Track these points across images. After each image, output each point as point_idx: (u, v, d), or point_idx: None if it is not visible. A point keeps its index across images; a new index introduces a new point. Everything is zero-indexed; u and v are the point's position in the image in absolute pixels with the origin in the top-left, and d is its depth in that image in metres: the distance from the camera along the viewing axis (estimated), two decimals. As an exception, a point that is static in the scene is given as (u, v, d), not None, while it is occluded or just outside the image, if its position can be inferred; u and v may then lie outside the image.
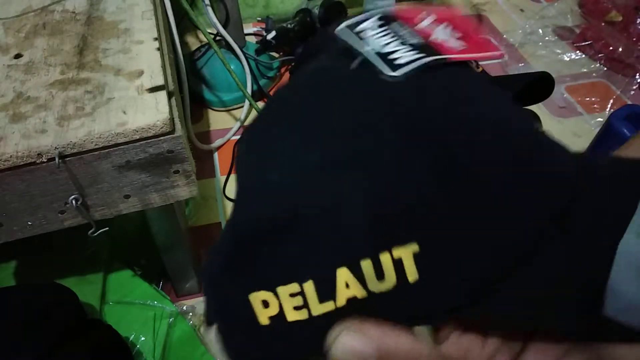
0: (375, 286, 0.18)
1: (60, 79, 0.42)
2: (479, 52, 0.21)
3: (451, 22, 0.23)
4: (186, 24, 0.91)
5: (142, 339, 0.51)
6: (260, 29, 0.93)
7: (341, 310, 0.18)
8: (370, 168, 0.18)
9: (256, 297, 0.19)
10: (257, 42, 0.85)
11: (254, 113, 0.78)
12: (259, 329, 0.19)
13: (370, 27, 0.22)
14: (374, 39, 0.21)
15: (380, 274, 0.18)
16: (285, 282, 0.18)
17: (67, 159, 0.37)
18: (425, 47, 0.21)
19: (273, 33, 0.81)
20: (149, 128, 0.38)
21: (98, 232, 0.42)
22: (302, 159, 0.19)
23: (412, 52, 0.20)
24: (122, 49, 0.45)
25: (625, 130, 0.63)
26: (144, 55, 0.45)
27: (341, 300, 0.18)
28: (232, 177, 0.70)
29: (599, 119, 0.78)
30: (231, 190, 0.68)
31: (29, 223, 0.40)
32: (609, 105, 0.81)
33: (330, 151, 0.19)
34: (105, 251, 0.58)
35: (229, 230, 0.21)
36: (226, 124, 0.78)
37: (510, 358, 0.20)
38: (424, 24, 0.22)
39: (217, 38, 0.77)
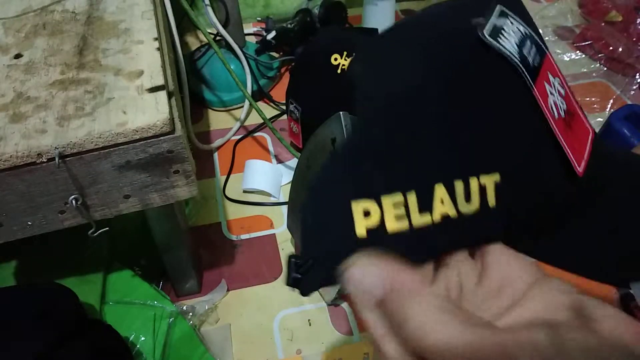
0: (464, 207, 0.20)
1: (60, 79, 0.42)
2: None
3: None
4: (186, 24, 0.91)
5: (142, 339, 0.51)
6: (260, 29, 0.93)
7: (435, 227, 0.20)
8: (478, 114, 0.21)
9: (359, 205, 0.19)
10: (257, 42, 0.85)
11: (254, 113, 0.78)
12: (353, 241, 0.19)
13: (508, 29, 0.23)
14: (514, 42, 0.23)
15: (468, 196, 0.20)
16: (390, 192, 0.20)
17: (67, 159, 0.37)
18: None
19: (273, 33, 0.81)
20: (149, 128, 0.38)
21: (98, 232, 0.42)
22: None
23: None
24: (122, 49, 0.45)
25: (625, 130, 0.63)
26: (144, 55, 0.45)
27: (436, 215, 0.20)
28: (232, 177, 0.70)
29: (599, 119, 0.78)
30: (231, 190, 0.68)
31: (29, 223, 0.40)
32: (609, 105, 0.81)
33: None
34: (105, 251, 0.58)
35: (343, 141, 0.22)
36: (226, 124, 0.78)
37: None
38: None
39: (217, 38, 0.77)
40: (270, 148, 0.75)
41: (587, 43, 0.91)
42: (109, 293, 0.55)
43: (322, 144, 0.31)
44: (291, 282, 0.20)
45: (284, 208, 0.66)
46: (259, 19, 0.96)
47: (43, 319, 0.43)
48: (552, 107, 0.23)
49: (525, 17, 0.25)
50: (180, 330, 0.52)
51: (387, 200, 0.20)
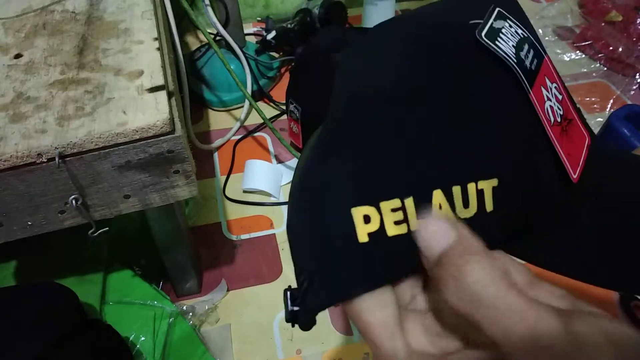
0: (462, 212, 0.20)
1: (60, 79, 0.42)
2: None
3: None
4: (186, 24, 0.91)
5: (142, 339, 0.51)
6: (260, 29, 0.93)
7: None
8: (485, 118, 0.21)
9: (358, 211, 0.19)
10: (257, 42, 0.85)
11: (254, 113, 0.78)
12: (356, 247, 0.19)
13: (506, 32, 0.23)
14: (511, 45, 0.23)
15: (466, 202, 0.20)
16: (389, 198, 0.20)
17: (67, 159, 0.37)
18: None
19: (273, 33, 0.81)
20: (149, 128, 0.38)
21: (98, 232, 0.42)
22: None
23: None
24: (122, 49, 0.45)
25: (625, 130, 0.63)
26: (144, 55, 0.45)
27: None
28: (232, 177, 0.70)
29: (599, 119, 0.78)
30: (231, 190, 0.68)
31: (29, 223, 0.40)
32: (609, 105, 0.81)
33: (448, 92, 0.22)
34: (105, 251, 0.58)
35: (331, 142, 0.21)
36: (226, 124, 0.78)
37: None
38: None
39: (217, 38, 0.77)
40: (270, 148, 0.75)
41: (587, 43, 0.91)
42: (109, 293, 0.55)
43: None
44: (289, 318, 0.20)
45: (284, 208, 0.66)
46: (259, 19, 0.96)
47: (43, 319, 0.43)
48: (548, 113, 0.22)
49: (523, 20, 0.25)
50: (180, 330, 0.52)
51: (386, 206, 0.20)
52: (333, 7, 0.84)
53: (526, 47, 0.23)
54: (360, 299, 0.19)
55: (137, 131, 0.38)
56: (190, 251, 0.53)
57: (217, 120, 0.79)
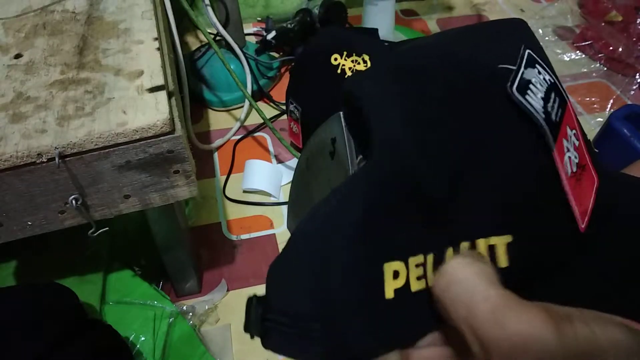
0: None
1: (60, 79, 0.42)
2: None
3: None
4: (186, 24, 0.91)
5: (142, 339, 0.51)
6: (260, 29, 0.93)
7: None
8: (495, 170, 0.21)
9: (390, 267, 0.19)
10: (257, 42, 0.85)
11: (254, 113, 0.78)
12: (383, 305, 0.19)
13: (536, 81, 0.22)
14: (539, 99, 0.22)
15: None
16: (415, 254, 0.20)
17: (67, 159, 0.37)
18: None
19: (273, 33, 0.81)
20: (149, 128, 0.38)
21: (98, 232, 0.42)
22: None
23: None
24: (122, 49, 0.45)
25: (625, 130, 0.63)
26: (144, 55, 0.45)
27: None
28: (232, 177, 0.70)
29: (599, 119, 0.78)
30: (231, 190, 0.68)
31: (29, 223, 0.40)
32: (609, 105, 0.81)
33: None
34: (105, 251, 0.58)
35: (358, 196, 0.20)
36: (226, 124, 0.78)
37: None
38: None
39: (217, 38, 0.77)
40: (270, 148, 0.75)
41: (587, 43, 0.91)
42: (109, 293, 0.55)
43: (322, 144, 0.31)
44: (247, 328, 0.20)
45: (284, 208, 0.66)
46: (259, 19, 0.96)
47: (43, 319, 0.43)
48: (567, 165, 0.22)
49: (545, 59, 0.24)
50: (180, 330, 0.52)
51: (412, 261, 0.20)
52: (333, 7, 0.84)
53: (553, 96, 0.22)
54: None
55: (137, 131, 0.38)
56: (190, 251, 0.53)
57: (217, 120, 0.79)
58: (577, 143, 0.23)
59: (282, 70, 0.87)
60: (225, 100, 0.80)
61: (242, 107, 0.78)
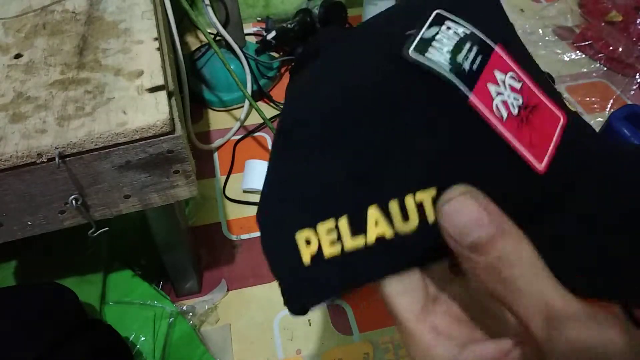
0: (401, 227, 0.20)
1: (60, 79, 0.42)
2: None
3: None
4: (186, 24, 0.91)
5: (142, 339, 0.51)
6: (260, 29, 0.93)
7: (370, 249, 0.20)
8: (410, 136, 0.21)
9: (301, 236, 0.21)
10: (257, 42, 0.85)
11: (254, 113, 0.78)
12: (304, 269, 0.21)
13: (441, 37, 0.22)
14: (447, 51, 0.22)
15: (405, 215, 0.20)
16: (324, 219, 0.20)
17: (67, 159, 0.37)
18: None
19: (273, 33, 0.81)
20: (149, 128, 0.38)
21: (98, 232, 0.42)
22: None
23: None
24: (122, 49, 0.45)
25: (625, 130, 0.63)
26: (144, 55, 0.45)
27: (371, 237, 0.20)
28: (232, 177, 0.70)
29: (599, 119, 0.78)
30: (231, 190, 0.68)
31: (29, 223, 0.40)
32: (609, 105, 0.81)
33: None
34: (105, 251, 0.58)
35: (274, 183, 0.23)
36: (226, 124, 0.78)
37: None
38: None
39: (217, 38, 0.77)
40: (270, 148, 0.74)
41: (587, 43, 0.91)
42: (109, 293, 0.55)
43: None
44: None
45: (284, 208, 0.66)
46: (259, 19, 0.96)
47: (43, 319, 0.43)
48: (499, 108, 0.21)
49: (478, 13, 0.24)
50: (180, 330, 0.52)
51: (321, 228, 0.20)
52: (333, 7, 0.84)
53: (467, 46, 0.22)
54: (387, 283, 0.19)
55: (137, 131, 0.38)
56: (190, 251, 0.53)
57: (217, 120, 0.79)
58: (517, 85, 0.23)
59: (282, 70, 0.87)
60: (225, 100, 0.80)
61: (242, 107, 0.78)
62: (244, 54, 0.77)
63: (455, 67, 0.21)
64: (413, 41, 0.22)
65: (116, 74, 0.43)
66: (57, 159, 0.36)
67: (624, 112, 0.66)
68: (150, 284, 0.56)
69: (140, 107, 0.39)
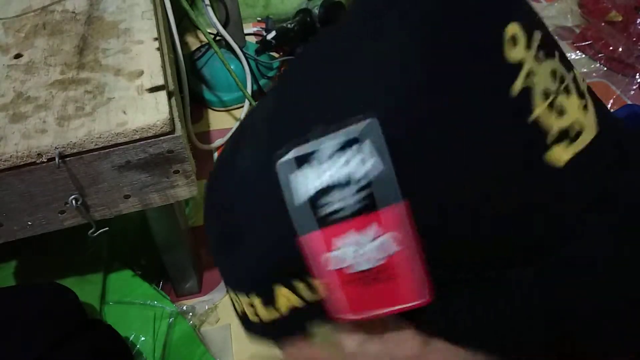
0: (310, 297, 0.20)
1: (60, 79, 0.42)
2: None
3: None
4: (186, 24, 0.91)
5: (142, 339, 0.51)
6: (260, 29, 0.93)
7: (286, 318, 0.21)
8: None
9: (236, 298, 0.24)
10: (257, 42, 0.85)
11: (254, 113, 0.78)
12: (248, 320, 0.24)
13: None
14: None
15: (312, 289, 0.20)
16: (242, 293, 0.23)
17: (67, 159, 0.37)
18: None
19: (273, 33, 0.81)
20: (149, 128, 0.38)
21: (98, 232, 0.42)
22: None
23: None
24: (122, 49, 0.45)
25: (625, 130, 0.63)
26: (144, 55, 0.45)
27: (283, 309, 0.21)
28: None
29: (599, 119, 0.78)
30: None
31: (29, 223, 0.40)
32: (609, 105, 0.81)
33: None
34: (105, 251, 0.58)
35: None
36: (226, 124, 0.78)
37: None
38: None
39: (217, 38, 0.77)
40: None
41: (587, 43, 0.91)
42: (109, 293, 0.55)
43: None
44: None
45: (284, 208, 0.66)
46: (259, 19, 0.96)
47: (43, 319, 0.43)
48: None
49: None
50: (180, 330, 0.52)
51: (242, 299, 0.23)
52: (333, 7, 0.84)
53: (347, 191, 0.17)
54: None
55: (137, 131, 0.38)
56: (190, 251, 0.53)
57: (217, 120, 0.79)
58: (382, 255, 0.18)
59: (282, 70, 0.87)
60: (225, 100, 0.80)
61: (242, 107, 0.78)
62: (244, 54, 0.77)
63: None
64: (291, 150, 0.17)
65: (116, 74, 0.43)
66: (57, 159, 0.36)
67: (624, 112, 0.65)
68: (150, 284, 0.56)
69: (140, 107, 0.39)
